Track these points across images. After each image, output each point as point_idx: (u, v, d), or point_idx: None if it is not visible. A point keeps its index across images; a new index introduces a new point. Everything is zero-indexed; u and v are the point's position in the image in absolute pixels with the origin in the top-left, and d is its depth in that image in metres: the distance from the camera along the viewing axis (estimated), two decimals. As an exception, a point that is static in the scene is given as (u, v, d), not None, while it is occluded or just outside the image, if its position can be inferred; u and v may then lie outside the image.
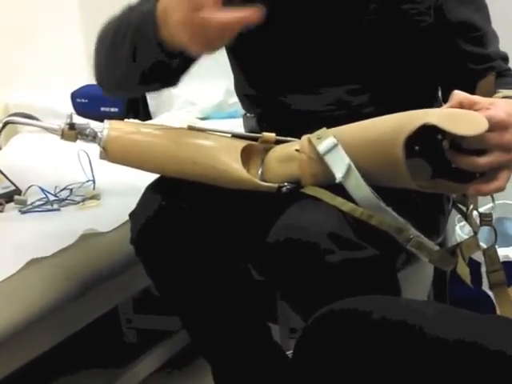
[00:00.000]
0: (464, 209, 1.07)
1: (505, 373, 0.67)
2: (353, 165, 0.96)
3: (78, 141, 1.09)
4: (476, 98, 0.93)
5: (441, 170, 0.97)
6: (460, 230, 1.60)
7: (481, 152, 0.91)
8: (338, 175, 0.96)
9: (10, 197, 1.46)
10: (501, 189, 0.92)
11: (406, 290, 1.08)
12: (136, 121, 1.73)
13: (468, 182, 0.94)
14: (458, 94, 0.93)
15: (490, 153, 0.90)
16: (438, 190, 0.99)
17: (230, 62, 1.27)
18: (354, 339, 0.74)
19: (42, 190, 1.44)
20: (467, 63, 1.12)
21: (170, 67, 1.02)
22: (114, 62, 1.06)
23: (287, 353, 1.23)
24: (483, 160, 0.91)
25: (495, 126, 0.90)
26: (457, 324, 0.74)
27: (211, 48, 0.93)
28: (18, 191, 1.48)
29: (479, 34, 1.13)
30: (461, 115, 0.91)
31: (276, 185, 1.04)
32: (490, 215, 1.02)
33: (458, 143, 0.92)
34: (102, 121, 1.63)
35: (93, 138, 1.07)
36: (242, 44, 1.20)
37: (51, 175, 1.51)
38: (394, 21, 1.12)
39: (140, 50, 1.00)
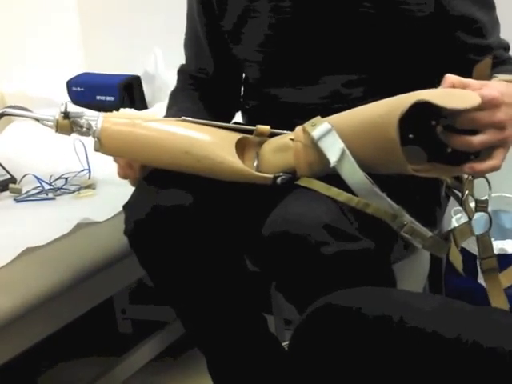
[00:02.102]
0: (459, 195, 1.07)
1: (502, 367, 0.67)
2: (347, 149, 0.96)
3: (72, 134, 1.09)
4: (468, 80, 0.94)
5: (435, 157, 0.97)
6: (456, 223, 1.60)
7: (475, 133, 0.91)
8: (333, 159, 0.96)
9: (4, 185, 1.45)
10: (496, 167, 0.93)
11: (402, 282, 1.08)
12: (132, 110, 1.73)
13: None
14: (450, 77, 0.94)
15: (483, 132, 0.91)
16: (434, 174, 0.99)
17: None
18: (348, 332, 0.74)
19: (38, 178, 1.43)
20: (468, 54, 1.12)
21: None
22: None
23: (282, 344, 1.23)
24: (477, 139, 0.91)
25: (487, 104, 0.90)
26: (454, 318, 0.74)
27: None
28: (13, 180, 1.47)
29: (478, 25, 1.13)
30: (453, 92, 0.92)
31: (271, 175, 1.04)
32: (485, 201, 1.02)
33: (452, 126, 0.93)
34: (97, 109, 1.63)
35: (87, 129, 1.07)
36: (236, 35, 1.19)
37: (46, 164, 1.50)
38: (391, 9, 1.11)
39: None
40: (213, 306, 1.14)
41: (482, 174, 0.95)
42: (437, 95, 0.91)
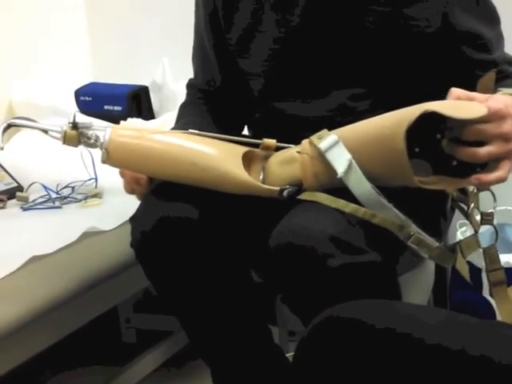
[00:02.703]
0: (465, 208, 1.07)
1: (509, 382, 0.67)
2: (353, 161, 0.97)
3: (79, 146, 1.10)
4: (473, 93, 0.95)
5: (441, 170, 0.97)
6: (461, 236, 1.60)
7: (481, 144, 0.92)
8: (340, 170, 0.97)
9: (12, 193, 1.46)
10: (503, 179, 0.93)
11: (407, 295, 1.08)
12: (139, 120, 1.73)
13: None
14: (456, 90, 0.95)
15: (489, 143, 0.92)
16: (440, 186, 1.00)
17: None
18: (353, 345, 0.74)
19: (45, 187, 1.44)
20: (473, 69, 1.12)
21: None
22: None
23: (286, 355, 1.23)
24: (484, 150, 0.92)
25: (493, 116, 0.91)
26: (459, 332, 0.74)
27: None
28: (20, 188, 1.48)
29: (484, 41, 1.14)
30: (460, 104, 0.93)
31: (278, 188, 1.04)
32: (491, 214, 1.02)
33: (457, 139, 0.93)
34: (105, 119, 1.64)
35: (95, 141, 1.07)
36: (242, 48, 1.20)
37: (53, 173, 1.51)
38: (397, 25, 1.12)
39: None
40: (218, 318, 1.13)
41: (488, 185, 0.95)
42: (444, 106, 0.92)
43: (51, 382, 1.70)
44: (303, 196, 1.02)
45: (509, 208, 1.70)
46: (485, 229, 1.07)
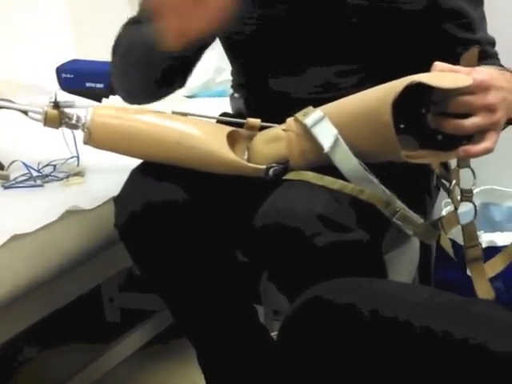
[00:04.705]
0: (447, 185, 1.07)
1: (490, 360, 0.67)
2: (340, 136, 0.96)
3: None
4: (457, 66, 0.95)
5: (427, 145, 0.97)
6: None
7: (466, 117, 0.92)
8: (326, 145, 0.96)
9: (-8, 172, 1.44)
10: (490, 150, 0.93)
11: (392, 273, 1.08)
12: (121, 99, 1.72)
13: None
14: (439, 64, 0.95)
15: (475, 115, 0.91)
16: (427, 160, 1.00)
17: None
18: (336, 323, 0.74)
19: (26, 165, 1.42)
20: (457, 48, 1.13)
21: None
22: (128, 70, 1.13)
23: (271, 334, 1.23)
24: (469, 121, 0.92)
25: (478, 87, 0.91)
26: (443, 310, 0.74)
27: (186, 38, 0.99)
28: (0, 166, 1.46)
29: (468, 20, 1.14)
30: (444, 75, 0.94)
31: (264, 166, 1.03)
32: (470, 191, 1.03)
33: (442, 112, 0.93)
34: (87, 96, 1.62)
35: (76, 122, 1.06)
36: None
37: (35, 151, 1.49)
38: (384, 3, 1.12)
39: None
40: (203, 297, 1.13)
41: (475, 156, 0.95)
42: (429, 77, 0.92)
43: (34, 360, 1.69)
44: (289, 176, 1.02)
45: (493, 187, 1.70)
46: (469, 208, 1.07)
